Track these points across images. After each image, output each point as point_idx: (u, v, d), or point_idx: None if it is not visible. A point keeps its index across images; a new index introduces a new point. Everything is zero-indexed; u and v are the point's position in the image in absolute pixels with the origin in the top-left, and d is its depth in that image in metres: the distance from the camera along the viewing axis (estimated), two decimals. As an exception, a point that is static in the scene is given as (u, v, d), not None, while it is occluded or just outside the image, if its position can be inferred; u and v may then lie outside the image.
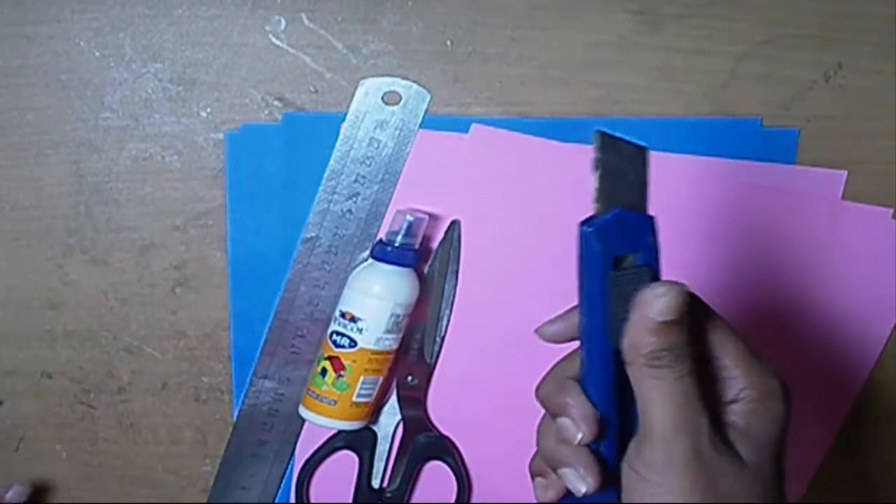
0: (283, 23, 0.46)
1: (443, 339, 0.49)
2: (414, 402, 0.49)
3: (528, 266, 0.48)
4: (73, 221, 0.48)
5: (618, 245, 0.33)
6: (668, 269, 0.49)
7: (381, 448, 0.50)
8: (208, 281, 0.49)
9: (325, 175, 0.47)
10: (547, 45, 0.47)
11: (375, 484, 0.50)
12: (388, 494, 0.50)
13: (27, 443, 0.51)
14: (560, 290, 0.50)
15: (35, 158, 0.47)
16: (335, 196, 0.48)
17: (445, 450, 0.50)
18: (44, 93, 0.47)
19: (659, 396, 0.33)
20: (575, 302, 0.36)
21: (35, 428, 0.50)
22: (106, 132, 0.47)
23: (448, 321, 0.49)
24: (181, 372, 0.50)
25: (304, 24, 0.47)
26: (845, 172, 0.49)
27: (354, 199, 0.48)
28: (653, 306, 0.33)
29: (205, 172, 0.48)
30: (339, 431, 0.49)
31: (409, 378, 0.49)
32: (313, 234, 0.48)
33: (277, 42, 0.47)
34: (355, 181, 0.47)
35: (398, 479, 0.50)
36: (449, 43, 0.47)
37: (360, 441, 0.50)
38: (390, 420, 0.50)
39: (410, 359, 0.49)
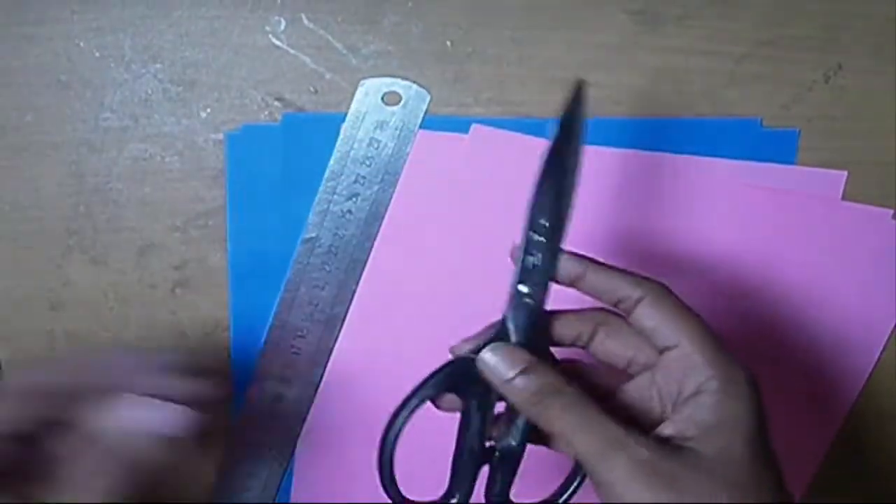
0: (283, 23, 0.46)
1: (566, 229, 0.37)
2: (531, 321, 0.37)
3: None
4: (73, 222, 0.48)
5: None
6: (668, 268, 0.49)
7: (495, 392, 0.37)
8: (208, 281, 0.49)
9: (325, 175, 0.47)
10: (547, 45, 0.47)
11: (486, 439, 0.37)
12: (503, 452, 0.37)
13: (27, 443, 0.51)
14: (560, 288, 0.50)
15: (34, 159, 0.47)
16: (335, 196, 0.48)
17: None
18: (43, 93, 0.47)
19: (572, 430, 0.34)
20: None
21: (35, 428, 0.50)
22: (105, 133, 0.47)
23: (572, 210, 0.37)
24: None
25: (303, 24, 0.46)
26: (845, 173, 0.49)
27: (354, 199, 0.48)
28: (493, 373, 0.36)
29: (205, 173, 0.48)
30: (438, 370, 0.37)
31: (524, 287, 0.37)
32: (313, 235, 0.48)
33: (277, 42, 0.47)
34: (355, 181, 0.47)
35: (516, 432, 0.37)
36: (449, 43, 0.47)
37: (465, 380, 0.37)
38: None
39: (528, 262, 0.37)
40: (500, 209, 0.48)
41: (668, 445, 0.34)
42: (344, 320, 0.49)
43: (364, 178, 0.47)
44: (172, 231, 0.48)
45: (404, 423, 0.36)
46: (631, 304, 0.37)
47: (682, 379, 0.35)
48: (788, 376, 0.51)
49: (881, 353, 0.51)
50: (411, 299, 0.49)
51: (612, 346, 0.38)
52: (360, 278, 0.48)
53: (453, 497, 0.38)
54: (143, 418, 0.34)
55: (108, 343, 0.49)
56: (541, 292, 0.37)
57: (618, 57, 0.47)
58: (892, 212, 0.49)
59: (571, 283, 0.37)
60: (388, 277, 0.48)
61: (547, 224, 0.37)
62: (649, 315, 0.36)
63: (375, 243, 0.48)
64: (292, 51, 0.47)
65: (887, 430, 0.53)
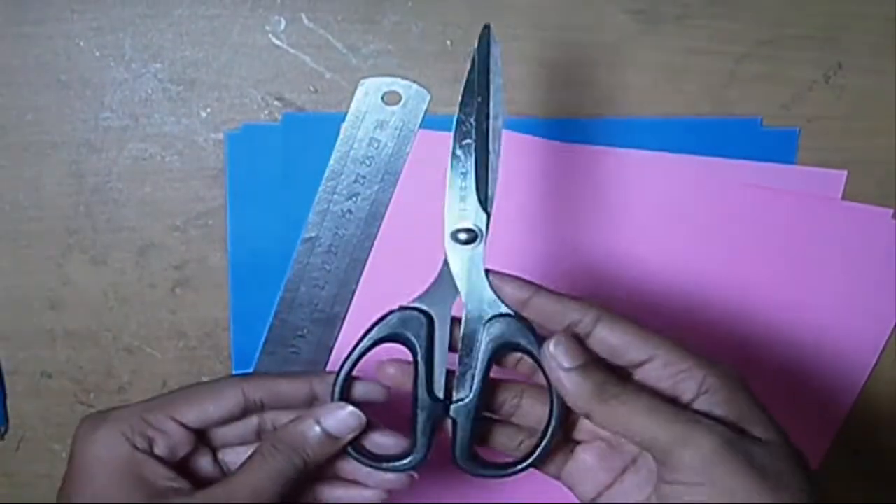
0: (283, 23, 0.46)
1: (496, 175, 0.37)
2: (472, 265, 0.37)
3: (528, 263, 0.48)
4: (73, 221, 0.48)
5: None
6: (669, 269, 0.49)
7: (441, 341, 0.37)
8: (208, 281, 0.49)
9: (325, 175, 0.47)
10: (547, 44, 0.47)
11: (439, 392, 0.37)
12: (456, 406, 0.37)
13: (27, 443, 0.51)
14: (558, 287, 0.50)
15: (35, 158, 0.47)
16: (335, 196, 0.48)
17: (526, 335, 0.37)
18: (43, 93, 0.47)
19: (642, 417, 0.34)
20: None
21: (35, 428, 0.50)
22: (106, 132, 0.47)
23: (500, 153, 0.37)
24: (181, 372, 0.50)
25: (303, 23, 0.46)
26: (845, 172, 0.49)
27: (354, 198, 0.48)
28: (552, 361, 0.35)
29: (205, 172, 0.48)
30: (383, 317, 0.38)
31: (462, 234, 0.37)
32: (313, 234, 0.48)
33: (277, 42, 0.47)
34: (355, 181, 0.47)
35: (468, 384, 0.37)
36: (449, 43, 0.47)
37: (412, 328, 0.37)
38: (446, 298, 0.37)
39: (463, 205, 0.37)
40: (500, 207, 0.48)
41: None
42: (344, 320, 0.49)
43: (364, 177, 0.47)
44: (172, 230, 0.48)
45: (350, 370, 0.38)
46: (588, 325, 0.36)
47: (675, 385, 0.35)
48: (788, 375, 0.51)
49: (881, 353, 0.51)
50: (411, 299, 0.49)
51: None
52: (360, 278, 0.48)
53: (413, 453, 0.38)
54: (333, 420, 0.37)
55: (107, 342, 0.49)
56: (478, 241, 0.37)
57: (618, 56, 0.48)
58: (891, 211, 0.49)
59: (518, 308, 0.37)
60: (388, 277, 0.48)
61: (470, 172, 0.36)
62: (614, 333, 0.36)
63: (375, 243, 0.48)
64: (292, 50, 0.47)
65: (887, 430, 0.53)
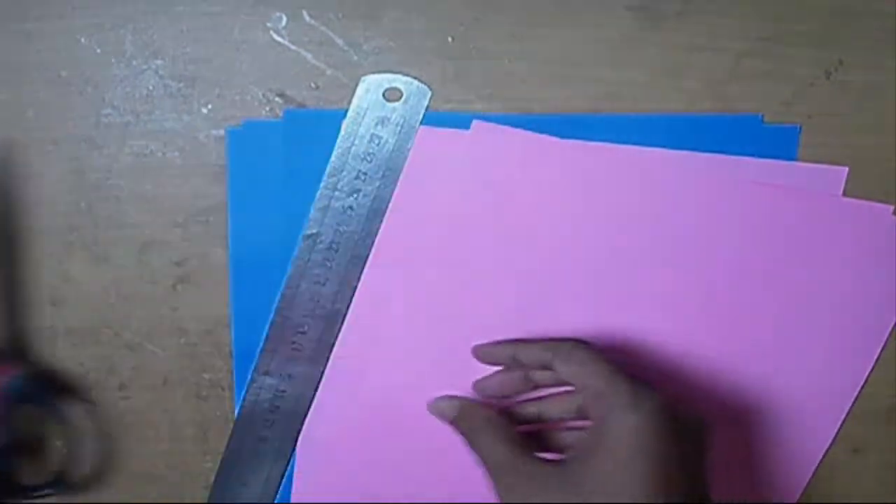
0: (284, 19, 0.46)
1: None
2: None
3: (527, 254, 0.48)
4: (74, 218, 0.48)
5: None
6: (668, 266, 0.49)
7: None
8: (209, 278, 0.49)
9: (327, 171, 0.47)
10: (548, 41, 0.47)
11: None
12: None
13: (28, 440, 0.51)
14: (559, 285, 0.50)
15: (35, 155, 0.47)
16: (336, 193, 0.48)
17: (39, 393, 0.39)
18: (44, 89, 0.47)
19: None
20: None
21: (36, 425, 0.51)
22: (107, 129, 0.47)
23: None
24: (182, 368, 0.50)
25: (305, 20, 0.47)
26: (846, 169, 0.49)
27: (356, 195, 0.48)
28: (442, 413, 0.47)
29: (206, 169, 0.48)
30: None
31: None
32: (314, 231, 0.48)
33: (278, 38, 0.47)
34: (356, 178, 0.47)
35: None
36: (450, 39, 0.47)
37: None
38: None
39: None
40: (501, 205, 0.48)
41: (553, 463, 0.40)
42: (345, 317, 0.49)
43: (365, 174, 0.47)
44: (174, 227, 0.48)
45: None
46: (548, 363, 0.43)
47: (592, 411, 0.41)
48: (787, 373, 0.51)
49: (881, 351, 0.51)
50: (412, 295, 0.49)
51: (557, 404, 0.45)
52: (361, 275, 0.48)
53: None
54: None
55: (108, 339, 0.49)
56: None
57: (618, 52, 0.48)
58: (892, 208, 0.49)
59: (508, 366, 0.46)
60: (390, 274, 0.48)
61: None
62: (563, 368, 0.42)
63: (376, 239, 0.48)
64: (293, 47, 0.47)
65: (887, 430, 0.53)
